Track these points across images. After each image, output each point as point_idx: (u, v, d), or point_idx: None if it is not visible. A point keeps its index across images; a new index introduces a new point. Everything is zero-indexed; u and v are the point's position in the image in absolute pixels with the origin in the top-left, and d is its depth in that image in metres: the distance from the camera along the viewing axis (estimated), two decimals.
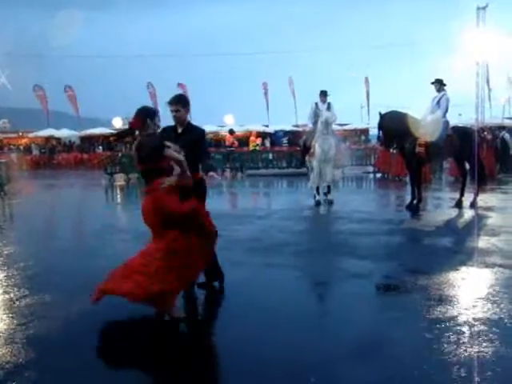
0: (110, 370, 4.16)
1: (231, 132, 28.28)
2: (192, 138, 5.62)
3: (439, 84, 11.21)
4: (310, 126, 13.00)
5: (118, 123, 46.30)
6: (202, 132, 5.98)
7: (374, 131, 39.43)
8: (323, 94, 12.82)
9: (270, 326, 4.70)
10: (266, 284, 6.19)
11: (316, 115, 12.63)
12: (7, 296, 5.96)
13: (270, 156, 26.21)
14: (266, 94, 48.49)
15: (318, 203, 12.37)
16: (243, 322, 4.81)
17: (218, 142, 43.38)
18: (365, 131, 46.89)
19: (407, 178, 14.64)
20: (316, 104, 12.83)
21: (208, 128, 44.91)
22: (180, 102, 5.73)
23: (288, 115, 49.82)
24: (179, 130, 5.71)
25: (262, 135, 42.85)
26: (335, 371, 3.83)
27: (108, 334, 4.78)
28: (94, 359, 4.23)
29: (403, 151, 11.51)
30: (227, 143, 27.80)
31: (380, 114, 11.56)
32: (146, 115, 5.05)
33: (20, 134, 46.11)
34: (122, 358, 4.31)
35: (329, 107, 12.67)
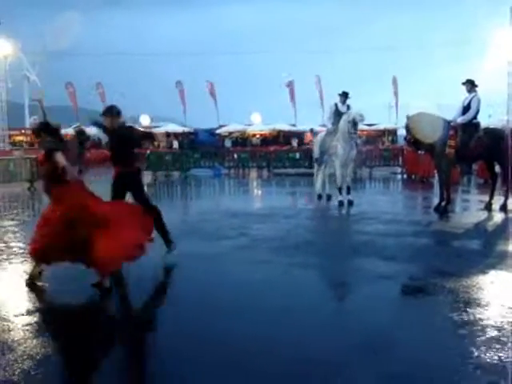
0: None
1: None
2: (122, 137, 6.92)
3: (470, 85, 11.04)
4: (330, 126, 12.93)
5: (146, 121, 46.67)
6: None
7: (401, 131, 39.05)
8: (344, 95, 12.76)
9: (293, 326, 4.69)
10: (291, 284, 6.16)
11: (336, 116, 12.58)
12: (28, 296, 6.05)
13: (297, 155, 26.15)
14: (291, 92, 48.35)
15: (340, 203, 12.28)
16: (266, 321, 4.80)
17: (245, 140, 43.46)
18: (392, 131, 46.49)
19: (435, 179, 14.48)
20: (336, 105, 12.79)
21: (234, 127, 45.15)
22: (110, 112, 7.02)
23: (315, 115, 49.65)
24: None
25: (289, 134, 42.83)
26: (358, 372, 3.81)
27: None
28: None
29: (432, 152, 11.38)
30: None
31: (407, 116, 11.44)
32: (40, 130, 6.31)
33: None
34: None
35: (348, 109, 12.59)
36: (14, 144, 44.01)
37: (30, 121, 48.10)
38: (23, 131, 47.23)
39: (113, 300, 5.66)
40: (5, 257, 7.61)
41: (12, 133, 44.75)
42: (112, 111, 7.01)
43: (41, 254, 5.98)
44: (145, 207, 6.90)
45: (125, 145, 7.00)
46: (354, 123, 11.97)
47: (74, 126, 9.03)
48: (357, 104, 13.11)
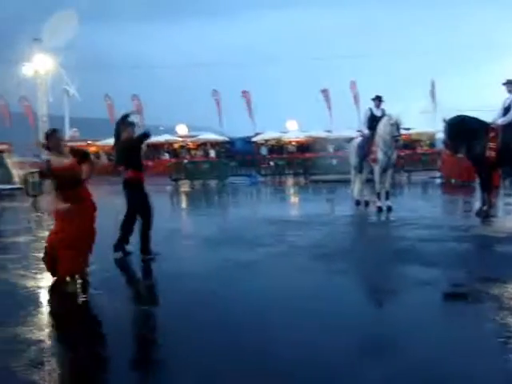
0: None
1: None
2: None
3: (511, 85, 10.79)
4: (366, 131, 12.75)
5: (183, 130, 47.10)
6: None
7: (440, 135, 38.43)
8: (378, 98, 12.62)
9: (332, 333, 4.65)
10: (330, 291, 6.12)
11: (371, 120, 12.43)
12: (71, 304, 6.16)
13: (334, 161, 26.00)
14: (327, 99, 48.17)
15: (379, 209, 12.11)
16: (306, 328, 4.77)
17: (281, 147, 43.44)
18: (431, 136, 45.79)
19: (475, 184, 14.20)
20: (370, 109, 12.65)
21: (270, 134, 45.20)
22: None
23: (351, 120, 49.33)
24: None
25: (325, 141, 42.63)
26: (399, 378, 3.75)
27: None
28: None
29: (471, 156, 11.13)
30: None
31: (444, 119, 11.22)
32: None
33: (89, 142, 47.64)
34: None
35: (383, 113, 12.44)
36: None
37: (69, 133, 49.19)
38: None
39: (154, 308, 5.70)
40: (44, 266, 7.74)
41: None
42: (129, 122, 8.07)
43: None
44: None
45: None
46: (396, 126, 11.79)
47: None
48: (394, 108, 12.95)
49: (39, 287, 6.65)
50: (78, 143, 46.62)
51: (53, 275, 6.57)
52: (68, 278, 6.49)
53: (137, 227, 8.18)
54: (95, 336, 4.92)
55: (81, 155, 6.57)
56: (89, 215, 6.64)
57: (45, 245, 6.78)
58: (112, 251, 7.91)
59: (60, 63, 44.17)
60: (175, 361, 4.19)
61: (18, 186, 24.29)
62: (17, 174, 26.87)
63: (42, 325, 5.16)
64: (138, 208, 8.06)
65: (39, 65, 41.85)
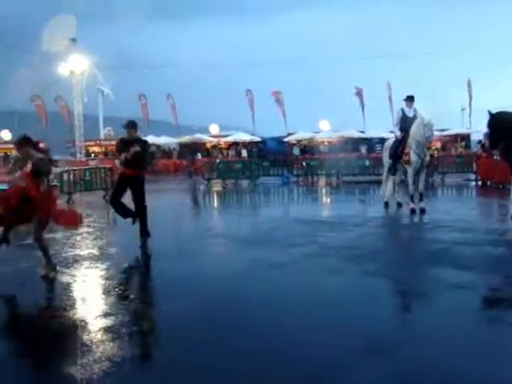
0: None
1: None
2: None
3: None
4: (398, 133, 12.55)
5: (215, 130, 47.34)
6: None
7: (475, 136, 37.80)
8: (410, 99, 12.43)
9: (361, 336, 4.59)
10: (361, 292, 6.05)
11: (403, 121, 12.25)
12: (105, 298, 6.23)
13: (367, 163, 25.77)
14: (361, 99, 47.81)
15: (412, 211, 11.93)
16: (335, 332, 4.73)
17: (313, 147, 43.30)
18: (466, 137, 45.08)
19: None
20: (402, 110, 12.47)
21: (302, 134, 45.11)
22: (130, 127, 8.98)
23: (384, 121, 48.89)
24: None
25: (357, 141, 42.37)
26: None
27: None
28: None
29: (507, 156, 10.79)
30: None
31: (489, 112, 10.77)
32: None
33: None
34: None
35: (415, 113, 12.25)
36: (89, 154, 45.71)
37: (103, 132, 49.87)
38: (98, 142, 48.96)
39: (181, 307, 5.72)
40: (80, 262, 7.88)
41: (87, 144, 46.46)
42: (133, 125, 8.99)
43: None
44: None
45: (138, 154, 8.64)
46: (429, 127, 11.61)
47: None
48: (428, 109, 12.76)
49: (74, 282, 6.75)
50: (112, 142, 47.35)
51: None
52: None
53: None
54: (122, 334, 4.97)
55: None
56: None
57: None
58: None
59: (95, 63, 44.77)
60: (200, 359, 4.20)
61: (53, 183, 24.76)
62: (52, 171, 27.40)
63: (76, 319, 5.24)
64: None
65: (75, 65, 42.46)
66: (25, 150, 6.76)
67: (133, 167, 8.82)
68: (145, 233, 8.97)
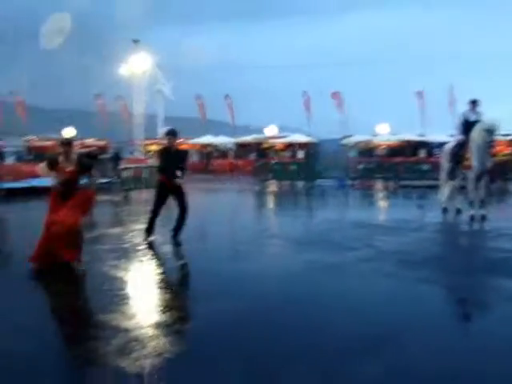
0: None
1: None
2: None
3: None
4: (460, 137, 12.21)
5: (273, 131, 47.39)
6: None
7: None
8: (474, 103, 12.06)
9: (412, 346, 4.49)
10: (415, 299, 5.90)
11: (466, 125, 11.90)
12: (159, 295, 6.32)
13: (425, 167, 25.25)
14: (421, 102, 46.84)
15: (472, 218, 11.56)
16: (383, 338, 4.64)
17: (370, 151, 42.70)
18: None
19: None
20: (465, 113, 12.11)
21: (360, 137, 44.55)
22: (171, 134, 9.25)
23: (445, 124, 47.74)
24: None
25: (417, 145, 41.51)
26: None
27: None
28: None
29: None
30: None
31: None
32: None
33: (181, 140, 48.96)
34: None
35: (479, 117, 11.87)
36: (148, 152, 46.56)
37: (162, 131, 50.66)
38: (157, 141, 49.82)
39: (235, 306, 5.73)
40: (134, 257, 8.03)
41: (146, 142, 47.35)
42: (174, 133, 9.25)
43: None
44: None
45: (178, 161, 9.04)
46: (490, 132, 11.27)
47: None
48: (492, 113, 12.37)
49: (129, 278, 6.89)
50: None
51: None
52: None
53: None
54: (179, 329, 5.02)
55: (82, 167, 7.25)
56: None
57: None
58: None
59: (156, 64, 45.60)
60: (254, 358, 4.20)
61: (112, 179, 25.39)
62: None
63: (130, 314, 5.33)
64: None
65: (136, 65, 43.39)
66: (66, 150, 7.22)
67: (170, 175, 9.01)
68: (178, 230, 9.15)
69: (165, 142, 9.53)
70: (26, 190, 17.23)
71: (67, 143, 7.31)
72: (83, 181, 7.59)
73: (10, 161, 29.25)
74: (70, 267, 6.90)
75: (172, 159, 9.05)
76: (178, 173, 8.93)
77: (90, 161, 7.60)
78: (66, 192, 7.06)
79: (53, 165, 7.10)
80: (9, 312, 5.46)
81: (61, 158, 7.13)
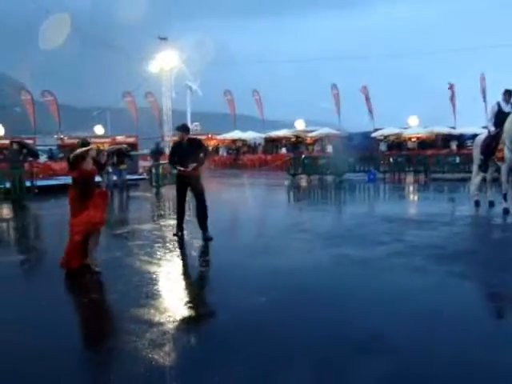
0: None
1: None
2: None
3: None
4: (492, 128, 11.93)
5: (301, 125, 47.25)
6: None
7: None
8: (508, 93, 11.76)
9: (443, 343, 4.46)
10: (446, 294, 5.85)
11: (499, 116, 11.64)
12: (193, 290, 6.40)
13: (457, 159, 24.90)
14: (452, 94, 46.14)
15: (505, 211, 11.34)
16: (414, 335, 4.63)
17: (400, 144, 42.29)
18: None
19: None
20: (498, 104, 11.84)
21: (390, 130, 44.14)
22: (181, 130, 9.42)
23: (477, 116, 46.89)
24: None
25: (448, 137, 40.97)
26: None
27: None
28: None
29: None
30: None
31: None
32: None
33: (209, 135, 49.20)
34: None
35: None
36: None
37: (191, 127, 50.91)
38: None
39: (263, 299, 5.77)
40: (164, 252, 8.14)
41: (175, 138, 47.72)
42: (183, 128, 9.45)
43: None
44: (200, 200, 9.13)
45: (191, 153, 9.12)
46: None
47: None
48: None
49: (161, 273, 6.99)
50: (200, 137, 48.46)
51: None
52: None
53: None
54: (210, 323, 5.10)
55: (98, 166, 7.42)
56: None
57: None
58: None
59: (184, 60, 45.81)
60: (283, 351, 4.24)
61: (142, 176, 25.71)
62: (142, 165, 28.48)
63: (162, 308, 5.42)
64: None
65: (164, 62, 43.66)
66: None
67: (185, 167, 9.15)
68: (205, 228, 9.12)
69: (176, 137, 9.72)
70: (57, 187, 17.54)
71: (83, 144, 7.33)
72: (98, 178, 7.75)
73: (42, 159, 29.79)
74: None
75: (184, 151, 9.17)
76: (192, 164, 9.03)
77: (104, 159, 7.80)
78: (86, 191, 7.12)
79: (73, 165, 7.15)
80: (44, 307, 5.61)
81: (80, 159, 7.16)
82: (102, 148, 11.35)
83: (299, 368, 3.98)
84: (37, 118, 44.28)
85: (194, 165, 9.04)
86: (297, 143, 43.78)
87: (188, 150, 9.20)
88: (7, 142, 26.71)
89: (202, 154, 9.46)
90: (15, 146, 18.25)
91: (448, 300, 5.60)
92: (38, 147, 29.95)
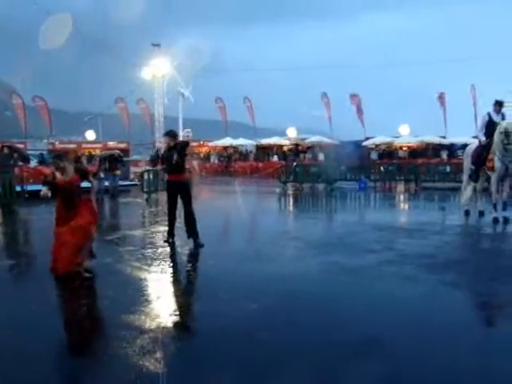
0: None
1: None
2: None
3: None
4: (483, 138, 12.05)
5: (293, 133, 47.38)
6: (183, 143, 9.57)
7: None
8: (498, 104, 11.94)
9: (433, 354, 4.48)
10: (437, 303, 5.88)
11: (489, 127, 11.77)
12: (184, 296, 6.38)
13: (447, 168, 25.03)
14: (442, 104, 46.47)
15: (495, 220, 11.44)
16: (404, 345, 4.64)
17: (391, 152, 42.49)
18: None
19: None
20: (489, 114, 11.99)
21: (381, 139, 44.33)
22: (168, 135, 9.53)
23: (467, 126, 47.19)
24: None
25: (438, 147, 41.21)
26: None
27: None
28: None
29: None
30: None
31: None
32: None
33: (201, 142, 49.21)
34: None
35: (503, 118, 11.77)
36: None
37: (182, 133, 50.84)
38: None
39: (253, 306, 5.77)
40: (155, 259, 8.11)
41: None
42: (170, 134, 9.51)
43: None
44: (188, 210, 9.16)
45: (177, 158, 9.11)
46: (507, 134, 11.12)
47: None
48: None
49: (152, 279, 6.97)
50: (192, 143, 48.41)
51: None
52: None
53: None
54: (200, 330, 5.08)
55: (81, 174, 7.35)
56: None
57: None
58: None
59: (176, 66, 45.83)
60: (276, 356, 4.24)
61: (134, 182, 25.65)
62: (133, 171, 28.45)
63: (153, 314, 5.40)
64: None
65: (157, 69, 43.68)
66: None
67: (175, 172, 9.28)
68: (194, 234, 9.15)
69: (165, 143, 9.79)
70: None
71: (60, 158, 7.34)
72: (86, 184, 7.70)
73: (33, 163, 29.64)
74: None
75: (172, 155, 9.21)
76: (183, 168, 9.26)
77: (85, 167, 7.92)
78: (70, 201, 7.06)
79: (51, 185, 7.05)
80: (34, 312, 5.58)
81: (58, 174, 7.09)
82: (93, 153, 11.32)
83: (290, 374, 3.98)
84: (28, 122, 44.17)
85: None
86: (288, 151, 43.87)
87: (175, 151, 9.23)
88: None
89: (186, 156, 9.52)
90: (6, 151, 18.13)
91: (439, 308, 5.63)
92: (29, 152, 29.78)
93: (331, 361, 4.24)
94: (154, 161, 23.49)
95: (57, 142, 44.37)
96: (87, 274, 6.90)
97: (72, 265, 6.84)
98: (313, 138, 45.19)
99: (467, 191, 12.93)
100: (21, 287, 7.07)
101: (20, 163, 20.19)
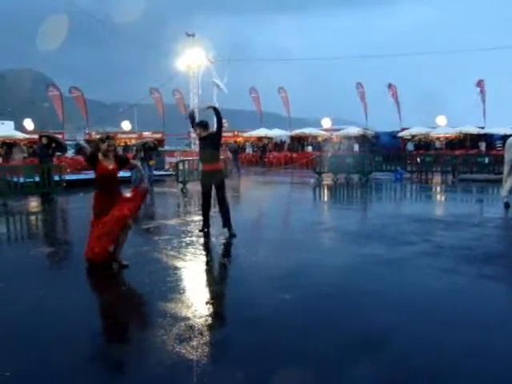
0: None
1: None
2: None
3: None
4: None
5: (327, 123, 47.07)
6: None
7: None
8: None
9: (473, 349, 4.40)
10: (476, 296, 5.78)
11: None
12: (218, 285, 6.41)
13: (486, 160, 24.48)
14: (481, 92, 45.44)
15: None
16: (441, 340, 4.57)
17: (428, 143, 41.86)
18: None
19: None
20: None
21: (417, 129, 43.72)
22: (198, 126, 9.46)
23: (508, 116, 46.11)
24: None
25: (477, 137, 40.42)
26: None
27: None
28: None
29: None
30: None
31: None
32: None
33: (236, 132, 49.29)
34: None
35: None
36: None
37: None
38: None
39: (287, 296, 5.75)
40: (190, 248, 8.17)
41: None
42: (201, 124, 9.41)
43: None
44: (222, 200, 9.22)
45: (211, 147, 9.23)
46: None
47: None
48: None
49: (187, 267, 7.02)
50: (226, 134, 48.60)
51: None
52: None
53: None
54: (235, 319, 5.10)
55: (121, 161, 7.34)
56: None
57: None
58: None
59: (211, 57, 45.91)
60: (309, 347, 4.23)
61: (169, 172, 25.84)
62: (168, 161, 28.65)
63: (189, 303, 5.44)
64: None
65: (192, 59, 43.77)
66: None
67: (210, 162, 9.29)
68: (228, 226, 9.21)
69: (196, 133, 9.78)
70: (85, 182, 17.71)
71: (103, 140, 7.20)
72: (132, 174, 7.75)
73: (70, 153, 30.20)
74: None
75: (206, 145, 9.28)
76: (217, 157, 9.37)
77: (126, 155, 7.83)
78: (109, 191, 7.05)
79: (92, 162, 7.11)
80: (73, 301, 5.68)
81: (100, 155, 7.08)
82: (129, 143, 11.40)
83: (327, 364, 3.96)
84: (64, 113, 44.88)
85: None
86: (323, 142, 43.60)
87: (209, 142, 9.30)
88: (37, 136, 27.13)
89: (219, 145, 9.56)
90: (44, 141, 18.41)
91: (478, 302, 5.54)
92: (66, 142, 30.31)
93: (367, 352, 4.21)
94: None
95: (93, 133, 45.02)
96: (124, 262, 6.98)
97: (105, 250, 6.89)
98: (348, 129, 44.83)
99: (507, 183, 12.64)
100: (60, 274, 7.20)
101: (58, 153, 20.54)
